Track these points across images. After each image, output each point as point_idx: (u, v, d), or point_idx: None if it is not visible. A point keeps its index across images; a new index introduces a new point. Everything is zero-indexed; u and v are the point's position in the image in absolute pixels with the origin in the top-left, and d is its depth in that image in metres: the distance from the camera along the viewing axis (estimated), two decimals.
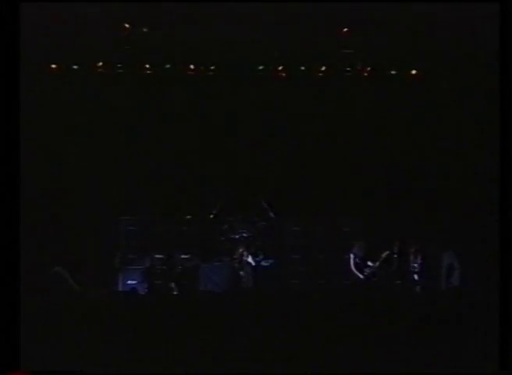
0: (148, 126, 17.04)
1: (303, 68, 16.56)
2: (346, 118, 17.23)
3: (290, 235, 16.66)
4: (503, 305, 8.72)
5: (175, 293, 14.54)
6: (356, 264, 14.63)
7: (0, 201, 8.12)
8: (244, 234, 16.48)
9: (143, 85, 16.74)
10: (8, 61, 8.29)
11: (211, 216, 16.59)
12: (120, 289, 15.38)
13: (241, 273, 15.51)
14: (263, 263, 15.96)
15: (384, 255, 14.66)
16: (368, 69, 16.57)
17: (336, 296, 11.48)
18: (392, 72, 16.53)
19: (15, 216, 8.25)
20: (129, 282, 15.74)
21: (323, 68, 16.59)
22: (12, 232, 8.17)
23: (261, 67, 16.58)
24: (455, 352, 9.14)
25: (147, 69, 16.36)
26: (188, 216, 16.69)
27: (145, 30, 15.29)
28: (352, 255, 14.78)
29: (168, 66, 16.33)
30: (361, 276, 14.52)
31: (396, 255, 15.06)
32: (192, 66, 16.49)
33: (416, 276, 14.71)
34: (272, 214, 16.69)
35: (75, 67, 16.00)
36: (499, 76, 9.15)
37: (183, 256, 15.95)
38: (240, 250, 15.76)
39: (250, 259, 15.59)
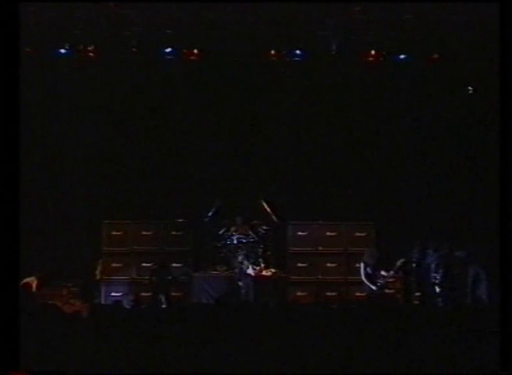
0: (136, 119, 17.07)
1: (309, 53, 16.46)
2: (358, 111, 17.18)
3: (295, 241, 16.40)
4: (504, 306, 9.24)
5: (164, 306, 14.38)
6: (367, 274, 14.44)
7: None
8: (243, 240, 16.30)
9: (133, 74, 16.85)
10: (8, 59, 8.84)
11: (206, 219, 16.38)
12: (103, 302, 15.33)
13: (240, 284, 15.39)
14: (264, 273, 15.86)
15: (399, 263, 14.47)
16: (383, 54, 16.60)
17: (346, 310, 11.43)
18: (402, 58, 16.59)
19: (15, 216, 8.72)
20: (112, 294, 15.69)
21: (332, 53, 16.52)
22: (12, 232, 8.66)
23: (260, 52, 16.45)
24: (455, 352, 9.51)
25: (137, 54, 16.36)
26: (180, 219, 16.48)
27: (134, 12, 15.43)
28: (363, 265, 14.56)
29: (165, 50, 16.34)
30: (374, 287, 14.30)
31: (414, 264, 15.08)
32: (185, 51, 16.46)
33: (438, 288, 14.57)
34: (274, 217, 16.49)
35: (62, 51, 16.11)
36: (499, 73, 9.75)
37: (173, 265, 15.79)
38: (239, 258, 15.69)
39: (249, 269, 15.50)
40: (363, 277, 14.49)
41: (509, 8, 9.57)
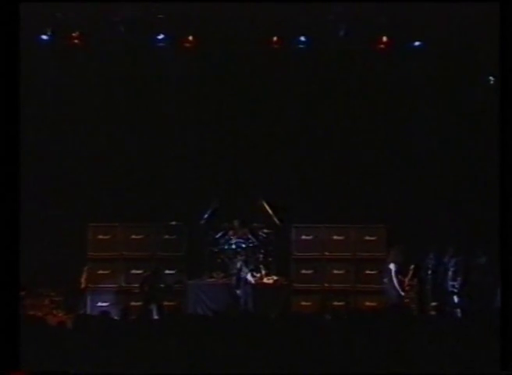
0: (126, 113, 17.04)
1: (315, 39, 16.33)
2: (368, 104, 17.05)
3: (299, 246, 16.29)
4: (504, 306, 9.77)
5: (156, 317, 14.25)
6: (398, 277, 14.29)
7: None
8: (242, 245, 16.25)
9: (122, 64, 16.90)
10: (8, 60, 9.39)
11: (202, 222, 16.29)
12: (88, 312, 15.15)
13: (238, 292, 15.31)
14: (265, 281, 15.88)
15: (411, 268, 14.54)
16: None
17: (356, 322, 10.98)
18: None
19: (15, 216, 9.20)
20: (99, 304, 15.61)
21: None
22: (12, 232, 9.14)
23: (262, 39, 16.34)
24: (455, 352, 9.76)
25: (127, 41, 16.32)
26: (173, 222, 16.39)
27: None
28: (393, 266, 14.39)
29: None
30: (402, 293, 14.21)
31: (430, 271, 15.02)
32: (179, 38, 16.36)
33: (456, 298, 14.49)
34: (276, 220, 16.38)
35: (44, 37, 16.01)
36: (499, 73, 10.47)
37: (166, 272, 15.73)
38: (238, 264, 15.56)
39: (249, 276, 15.41)
40: (395, 281, 14.30)
41: (509, 8, 9.98)
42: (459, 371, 9.44)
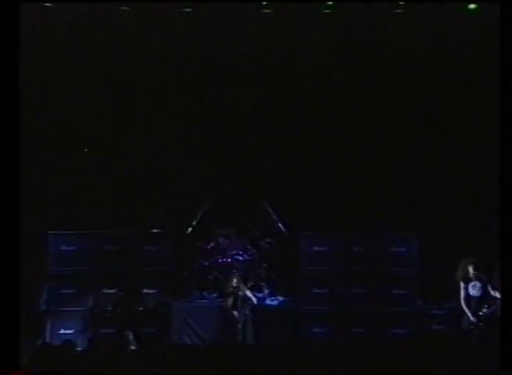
0: (100, 99, 16.76)
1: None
2: (399, 85, 16.73)
3: (310, 259, 15.98)
4: (504, 305, 10.76)
5: (132, 347, 14.27)
6: (468, 298, 13.82)
7: None
8: (240, 257, 16.14)
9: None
10: (8, 60, 10.24)
11: (190, 230, 16.33)
12: (48, 341, 14.84)
13: (235, 314, 15.00)
14: (268, 301, 15.72)
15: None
16: None
17: (381, 352, 11.09)
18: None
19: (15, 215, 10.22)
20: (62, 331, 15.40)
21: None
22: (11, 231, 10.16)
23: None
24: (455, 352, 10.66)
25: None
26: (155, 230, 16.16)
27: None
28: (462, 283, 13.93)
29: None
30: (473, 318, 13.75)
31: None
32: None
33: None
34: (281, 226, 16.32)
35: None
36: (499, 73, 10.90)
37: (145, 291, 15.54)
38: (234, 281, 15.24)
39: (249, 294, 15.07)
40: (462, 303, 14.00)
41: (509, 8, 10.76)
42: (459, 371, 9.97)
